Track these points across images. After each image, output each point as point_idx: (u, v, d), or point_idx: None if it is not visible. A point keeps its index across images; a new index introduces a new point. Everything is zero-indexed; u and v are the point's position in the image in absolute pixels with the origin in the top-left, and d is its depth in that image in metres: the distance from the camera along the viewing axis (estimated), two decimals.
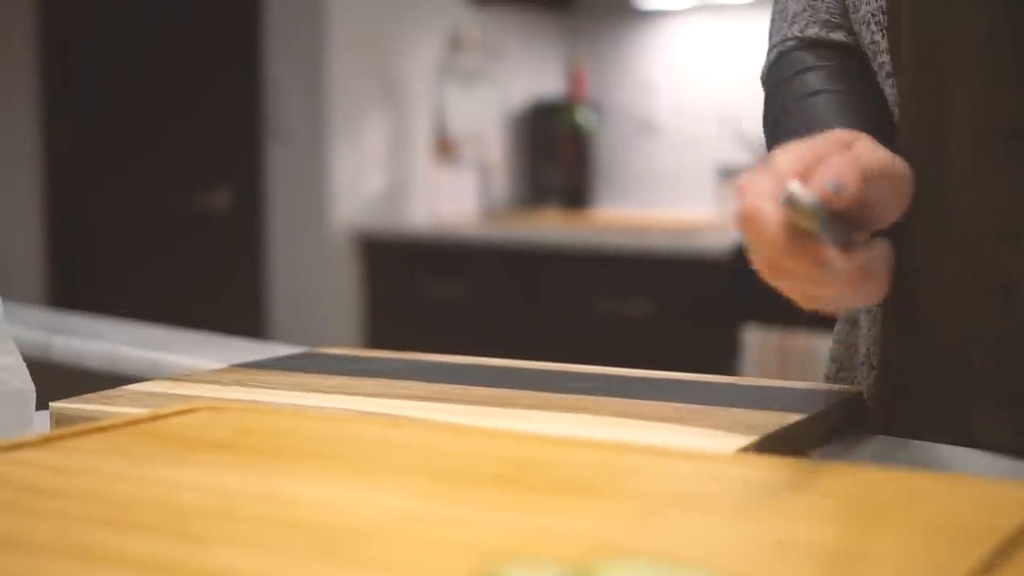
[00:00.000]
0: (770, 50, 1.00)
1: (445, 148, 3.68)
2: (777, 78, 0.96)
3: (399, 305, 3.53)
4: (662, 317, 2.99)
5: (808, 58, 0.94)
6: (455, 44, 3.71)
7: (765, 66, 1.00)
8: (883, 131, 0.84)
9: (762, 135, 0.96)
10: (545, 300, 3.28)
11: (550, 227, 3.51)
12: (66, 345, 1.37)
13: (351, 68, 3.49)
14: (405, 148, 3.61)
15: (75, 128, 3.94)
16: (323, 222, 3.49)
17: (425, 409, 0.84)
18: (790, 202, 0.68)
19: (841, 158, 0.72)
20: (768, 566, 0.48)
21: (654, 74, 3.80)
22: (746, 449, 0.71)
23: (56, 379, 0.93)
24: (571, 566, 0.40)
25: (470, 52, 3.73)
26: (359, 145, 3.51)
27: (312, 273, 3.54)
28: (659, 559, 0.45)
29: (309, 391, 0.91)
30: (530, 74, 3.92)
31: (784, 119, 0.92)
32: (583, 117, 3.80)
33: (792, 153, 0.73)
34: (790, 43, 0.97)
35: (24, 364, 0.86)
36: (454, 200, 3.70)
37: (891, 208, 0.76)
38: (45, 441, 0.71)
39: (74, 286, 3.86)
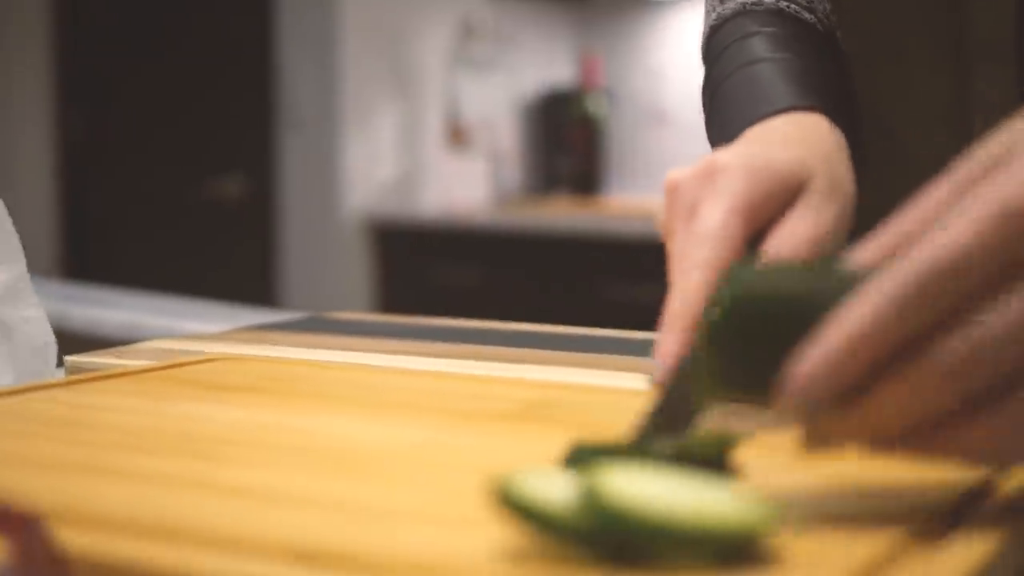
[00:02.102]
0: (708, 15, 0.93)
1: (457, 136, 3.70)
2: (718, 46, 0.88)
3: (411, 292, 3.54)
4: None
5: (749, 24, 0.86)
6: (467, 32, 3.72)
7: (704, 34, 0.92)
8: (838, 101, 0.79)
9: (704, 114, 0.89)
10: (556, 286, 3.29)
11: (562, 214, 3.53)
12: (83, 314, 1.39)
13: (363, 56, 3.51)
14: (417, 136, 3.63)
15: (88, 116, 3.96)
16: (336, 209, 3.51)
17: (435, 364, 0.85)
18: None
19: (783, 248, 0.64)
20: (780, 488, 0.50)
21: (665, 63, 3.81)
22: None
23: (74, 347, 0.95)
24: (583, 475, 0.41)
25: (482, 40, 3.75)
26: (371, 133, 3.53)
27: (325, 260, 3.55)
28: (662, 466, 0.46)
29: (321, 348, 0.93)
30: (542, 62, 3.94)
31: (727, 90, 0.83)
32: (595, 105, 3.81)
33: (718, 223, 0.64)
34: (731, 5, 0.89)
35: (46, 318, 0.88)
36: (466, 187, 3.72)
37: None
38: (69, 383, 0.73)
39: (87, 273, 3.88)
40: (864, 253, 0.45)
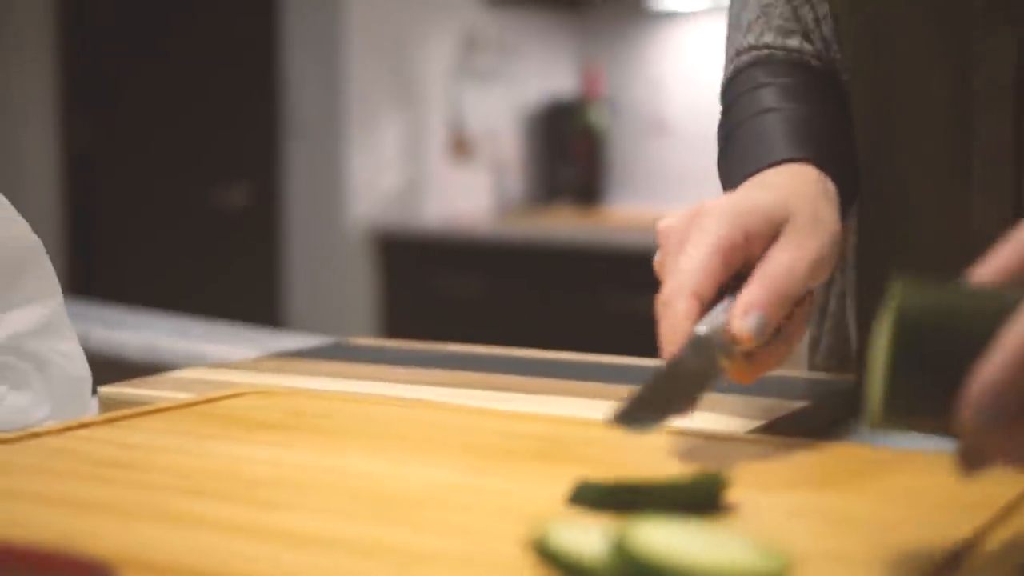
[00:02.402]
0: (727, 65, 0.98)
1: (460, 146, 3.73)
2: (733, 94, 0.94)
3: (414, 301, 3.58)
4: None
5: (761, 75, 0.92)
6: (470, 44, 3.76)
7: (723, 82, 0.98)
8: (835, 148, 0.85)
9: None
10: (558, 296, 3.33)
11: (564, 225, 3.56)
12: (102, 336, 1.42)
13: (368, 67, 3.54)
14: (421, 146, 3.66)
15: (93, 125, 3.99)
16: (340, 219, 3.54)
17: (454, 395, 0.89)
18: (697, 347, 0.67)
19: (758, 287, 0.69)
20: (783, 531, 0.53)
21: (667, 74, 3.85)
22: (755, 431, 0.76)
23: (93, 368, 0.98)
24: (612, 525, 0.45)
25: (485, 51, 3.78)
26: (375, 143, 3.57)
27: (329, 270, 3.59)
28: (689, 521, 0.50)
29: (344, 378, 0.96)
30: (544, 73, 3.97)
31: (734, 137, 0.90)
32: (596, 116, 3.85)
33: (701, 259, 0.70)
34: (745, 57, 0.95)
35: (82, 352, 0.92)
36: (469, 198, 3.75)
37: (817, 280, 0.73)
38: (108, 421, 0.77)
39: (93, 282, 3.91)
40: (986, 271, 0.49)
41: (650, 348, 0.64)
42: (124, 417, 0.77)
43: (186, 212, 3.90)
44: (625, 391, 0.87)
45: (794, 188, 0.76)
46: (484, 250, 3.46)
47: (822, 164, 0.81)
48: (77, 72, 3.97)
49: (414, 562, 0.49)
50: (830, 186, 0.79)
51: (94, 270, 3.98)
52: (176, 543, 0.52)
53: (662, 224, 0.74)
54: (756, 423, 0.77)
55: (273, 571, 0.48)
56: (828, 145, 0.84)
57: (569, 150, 3.87)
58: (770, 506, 0.57)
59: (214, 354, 1.29)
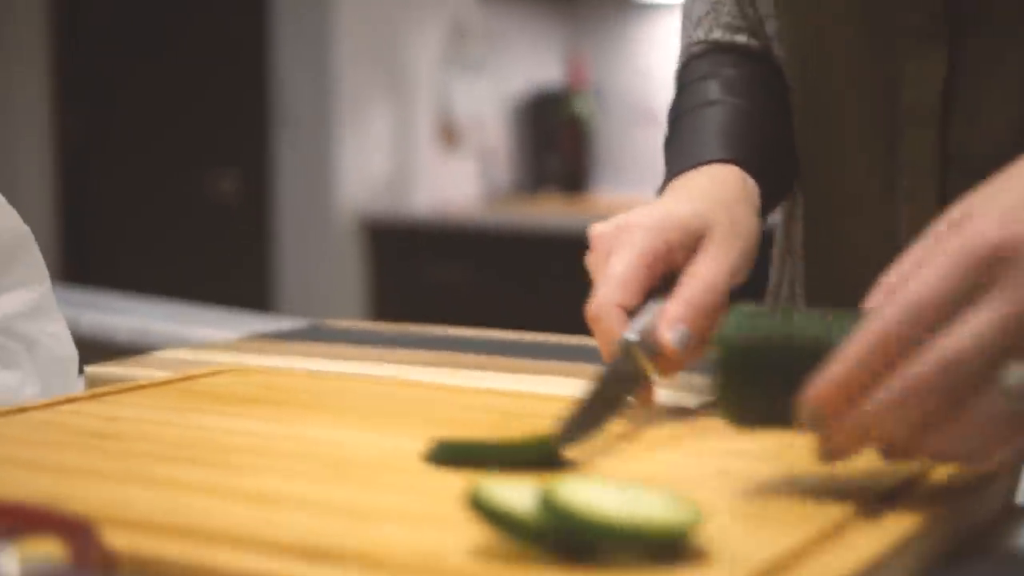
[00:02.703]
0: (681, 54, 1.03)
1: (448, 135, 3.78)
2: (683, 82, 0.99)
3: (403, 288, 3.62)
4: None
5: (708, 66, 0.97)
6: (458, 34, 3.80)
7: (677, 69, 1.03)
8: (768, 144, 0.91)
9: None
10: (545, 283, 3.38)
11: (550, 212, 3.61)
12: (93, 320, 1.47)
13: (357, 57, 3.58)
14: (409, 135, 3.71)
15: (87, 115, 4.03)
16: (329, 207, 3.59)
17: (423, 372, 0.94)
18: (626, 353, 0.73)
19: (682, 303, 0.75)
20: (709, 488, 0.58)
21: (652, 63, 3.90)
22: (703, 405, 0.81)
23: (84, 352, 1.03)
24: (541, 484, 0.50)
25: (472, 41, 3.83)
26: (364, 132, 3.61)
27: (318, 257, 3.63)
28: (616, 479, 0.55)
29: (319, 357, 1.01)
30: (531, 63, 4.02)
31: (677, 127, 0.95)
32: (582, 105, 3.89)
33: (625, 270, 0.76)
34: (696, 48, 1.00)
35: (69, 333, 0.97)
36: (457, 186, 3.80)
37: (738, 282, 0.80)
38: (94, 396, 0.82)
39: (86, 269, 3.96)
40: (872, 300, 0.58)
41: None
42: (108, 393, 0.82)
43: (177, 200, 3.94)
44: (590, 369, 0.92)
45: (713, 196, 0.82)
46: (472, 238, 3.51)
47: (749, 163, 0.86)
48: (71, 63, 4.01)
49: (366, 518, 0.54)
50: (751, 186, 0.85)
51: (87, 257, 4.02)
52: (155, 503, 0.57)
53: (594, 231, 0.80)
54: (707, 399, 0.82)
55: (241, 527, 0.52)
56: (761, 142, 0.89)
57: (556, 139, 3.92)
58: (691, 466, 0.63)
59: (201, 336, 1.34)
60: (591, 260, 0.80)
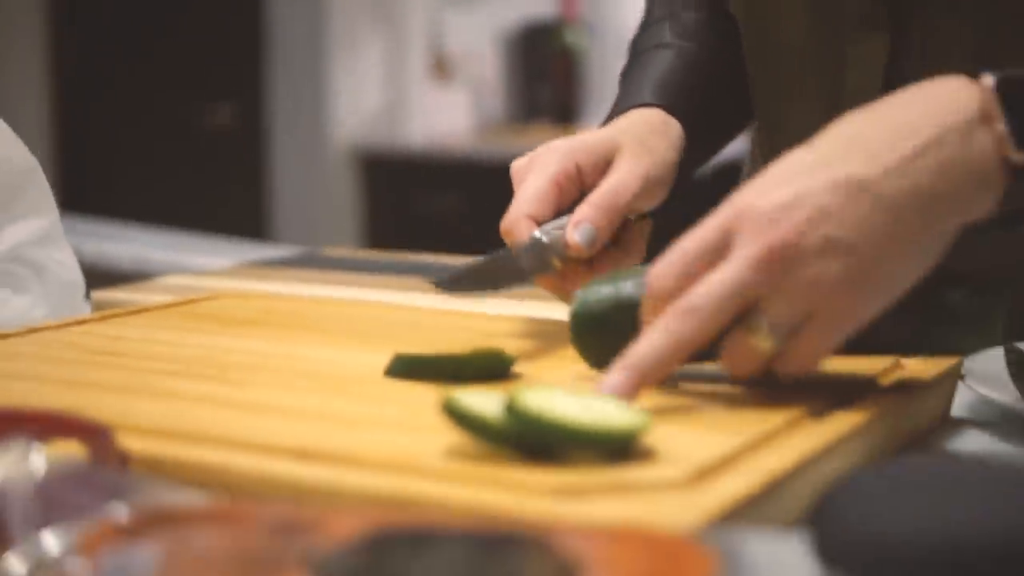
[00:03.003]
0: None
1: (440, 67, 3.81)
2: (644, 22, 1.02)
3: (396, 218, 3.67)
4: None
5: (667, 7, 1.00)
6: None
7: (645, 6, 1.05)
8: (717, 89, 0.95)
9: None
10: None
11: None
12: (96, 248, 1.52)
13: None
14: (402, 67, 3.74)
15: (81, 46, 4.05)
16: (323, 138, 3.63)
17: (414, 298, 1.00)
18: (534, 248, 0.79)
19: (588, 204, 0.80)
20: (660, 397, 0.65)
21: None
22: None
23: (88, 278, 1.09)
24: (506, 393, 0.56)
25: None
26: (357, 64, 3.65)
27: (312, 189, 3.68)
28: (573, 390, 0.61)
29: (314, 283, 1.07)
30: None
31: (630, 65, 0.98)
32: (574, 37, 3.92)
33: (536, 188, 0.81)
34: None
35: (76, 260, 1.02)
36: (449, 118, 3.84)
37: (650, 204, 0.85)
38: (101, 319, 0.87)
39: (84, 200, 3.99)
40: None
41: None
42: (115, 315, 0.88)
43: (173, 132, 3.97)
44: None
45: (628, 128, 0.87)
46: (464, 169, 3.55)
47: (677, 109, 0.90)
48: None
49: (351, 425, 0.60)
50: (673, 127, 0.89)
51: (84, 189, 4.06)
52: (160, 413, 0.63)
53: (513, 164, 0.86)
54: None
55: (237, 432, 0.58)
56: (701, 89, 0.93)
57: (547, 70, 3.95)
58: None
59: (200, 264, 1.40)
60: (514, 192, 0.85)
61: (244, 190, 3.83)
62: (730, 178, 0.95)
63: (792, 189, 0.63)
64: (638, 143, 0.85)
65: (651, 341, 0.63)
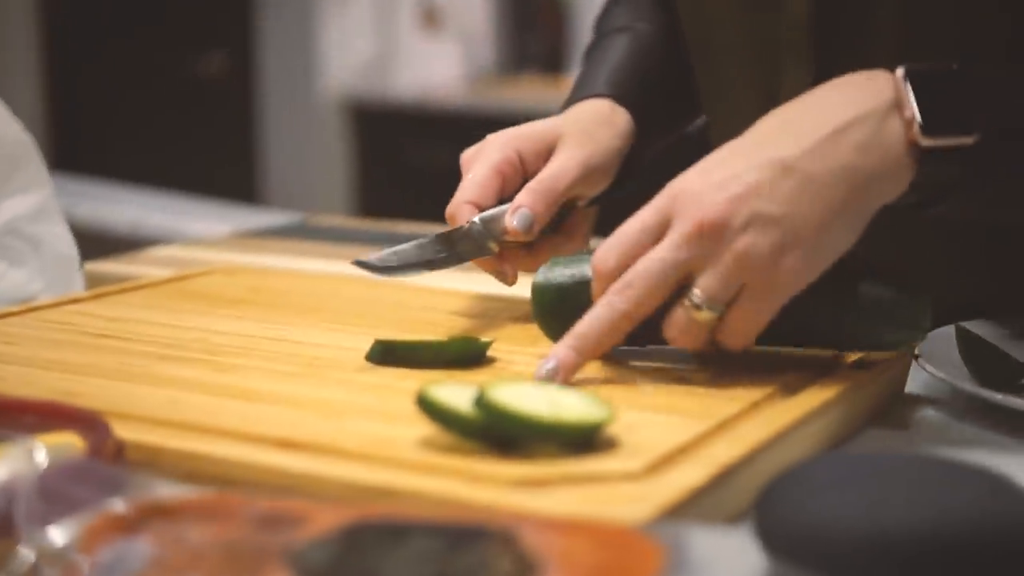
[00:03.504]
0: None
1: (430, 17, 3.82)
2: (606, 5, 1.05)
3: (387, 170, 3.69)
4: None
5: None
6: None
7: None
8: (667, 69, 0.97)
9: None
10: None
11: (532, 94, 3.67)
12: (90, 211, 1.55)
13: None
14: (391, 17, 3.75)
15: None
16: (313, 88, 3.64)
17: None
18: (471, 233, 0.82)
19: (526, 190, 0.83)
20: (626, 388, 0.69)
21: None
22: None
23: (82, 243, 1.12)
24: (478, 387, 0.59)
25: None
26: (347, 13, 3.66)
27: (303, 138, 3.70)
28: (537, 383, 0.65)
29: (300, 255, 1.10)
30: None
31: (589, 50, 1.00)
32: None
33: (480, 176, 0.84)
34: None
35: (70, 234, 1.05)
36: (439, 68, 3.85)
37: (591, 191, 0.88)
38: (96, 297, 0.91)
39: (75, 154, 4.01)
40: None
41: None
42: (109, 293, 0.92)
43: (163, 81, 3.97)
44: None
45: (573, 118, 0.90)
46: (454, 119, 3.57)
47: (626, 98, 0.92)
48: None
49: (333, 414, 0.64)
50: (620, 116, 0.91)
51: (76, 142, 4.07)
52: (150, 400, 0.66)
53: (462, 155, 0.88)
54: None
55: (225, 422, 0.62)
56: (651, 72, 0.96)
57: (537, 19, 3.96)
58: (610, 370, 0.73)
59: (194, 230, 1.43)
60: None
61: (235, 140, 3.85)
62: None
63: (724, 171, 0.69)
64: (580, 131, 0.88)
65: (592, 316, 0.70)
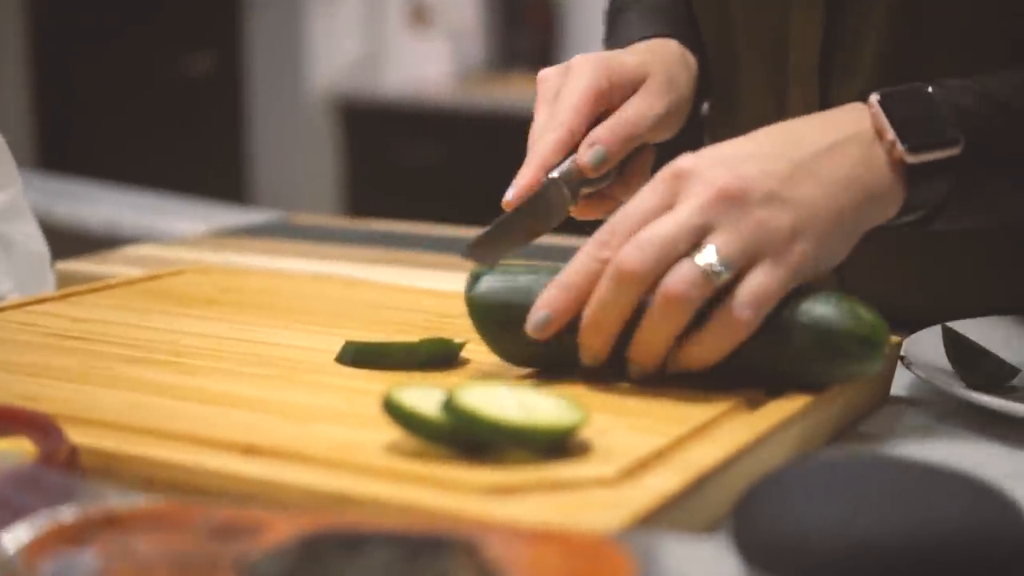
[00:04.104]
0: None
1: (418, 14, 3.80)
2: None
3: (375, 168, 3.68)
4: None
5: None
6: None
7: None
8: (692, 34, 0.94)
9: None
10: (517, 163, 3.42)
11: (522, 92, 3.65)
12: (67, 210, 1.53)
13: None
14: (380, 14, 3.73)
15: None
16: (301, 87, 3.62)
17: (384, 272, 1.01)
18: (549, 188, 0.78)
19: (605, 126, 0.79)
20: (599, 392, 0.67)
21: None
22: None
23: (59, 242, 1.10)
24: (446, 390, 0.57)
25: None
26: (335, 11, 3.63)
27: (291, 137, 3.68)
28: (517, 383, 0.63)
29: (278, 255, 1.08)
30: None
31: (614, 22, 0.99)
32: None
33: (574, 100, 0.79)
34: None
35: (41, 233, 1.03)
36: (428, 66, 3.83)
37: (665, 134, 0.85)
38: (63, 297, 0.89)
39: (62, 153, 3.98)
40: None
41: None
42: (78, 293, 0.90)
43: (149, 81, 3.95)
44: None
45: (655, 52, 0.87)
46: (444, 118, 3.55)
47: (686, 40, 0.91)
48: None
49: (299, 417, 0.62)
50: (690, 58, 0.89)
51: (63, 138, 4.04)
52: (110, 403, 0.64)
53: (541, 73, 0.84)
54: None
55: (186, 427, 0.60)
56: (686, 30, 0.94)
57: (526, 16, 3.94)
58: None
59: (173, 229, 1.41)
60: (537, 101, 0.84)
61: (223, 140, 3.83)
62: None
63: (737, 154, 0.67)
64: (665, 74, 0.84)
65: (595, 282, 0.66)
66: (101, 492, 0.50)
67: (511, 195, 0.78)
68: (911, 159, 0.70)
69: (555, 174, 0.79)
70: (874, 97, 0.72)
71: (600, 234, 0.67)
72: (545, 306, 0.67)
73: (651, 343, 0.66)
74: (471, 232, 1.18)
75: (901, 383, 0.77)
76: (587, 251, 0.67)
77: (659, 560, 0.47)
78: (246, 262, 1.05)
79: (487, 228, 0.76)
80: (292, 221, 1.29)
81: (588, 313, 0.66)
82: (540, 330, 0.67)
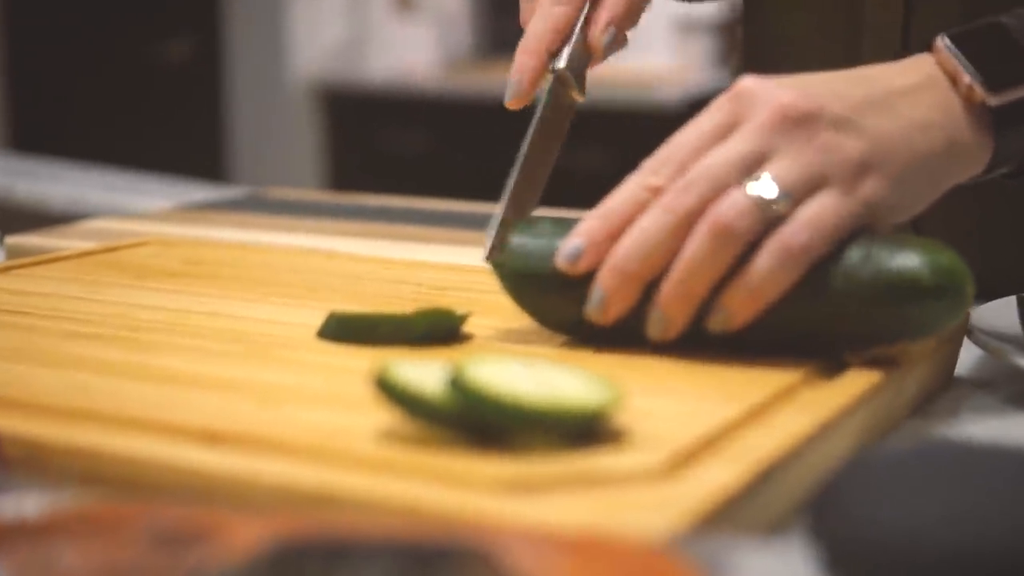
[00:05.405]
0: None
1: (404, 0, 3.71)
2: None
3: (360, 156, 3.59)
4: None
5: None
6: None
7: None
8: None
9: None
10: (503, 150, 3.34)
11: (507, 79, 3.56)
12: (29, 189, 1.43)
13: None
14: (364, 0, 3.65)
15: None
16: (282, 73, 3.53)
17: (358, 244, 0.91)
18: (558, 79, 0.73)
19: (604, 7, 0.74)
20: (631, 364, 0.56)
21: None
22: None
23: (19, 222, 1.00)
24: (450, 363, 0.47)
25: None
26: None
27: (273, 124, 3.59)
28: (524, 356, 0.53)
29: (251, 228, 0.98)
30: None
31: None
32: None
33: (549, 9, 0.75)
34: None
35: None
36: (414, 52, 3.74)
37: None
38: (9, 269, 0.79)
39: (38, 136, 3.89)
40: None
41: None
42: (23, 265, 0.79)
43: (129, 67, 3.87)
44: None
45: None
46: (430, 105, 3.46)
47: None
48: None
49: (273, 400, 0.51)
50: None
51: (39, 125, 3.95)
52: (49, 384, 0.54)
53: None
54: None
55: (137, 411, 0.50)
56: None
57: (513, 2, 3.85)
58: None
59: (139, 206, 1.31)
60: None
61: (202, 127, 3.74)
62: None
63: (807, 79, 0.60)
64: None
65: (631, 194, 0.58)
66: (22, 488, 0.40)
67: (515, 91, 0.73)
68: (993, 100, 0.61)
69: (562, 64, 0.72)
70: (940, 41, 0.63)
71: (651, 161, 0.59)
72: (580, 235, 0.58)
73: (687, 285, 0.55)
74: (452, 206, 1.09)
75: (963, 364, 0.68)
76: (635, 179, 0.59)
77: (727, 570, 0.37)
78: (216, 235, 0.95)
79: (497, 220, 0.69)
80: (264, 195, 1.18)
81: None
82: (572, 261, 0.58)
